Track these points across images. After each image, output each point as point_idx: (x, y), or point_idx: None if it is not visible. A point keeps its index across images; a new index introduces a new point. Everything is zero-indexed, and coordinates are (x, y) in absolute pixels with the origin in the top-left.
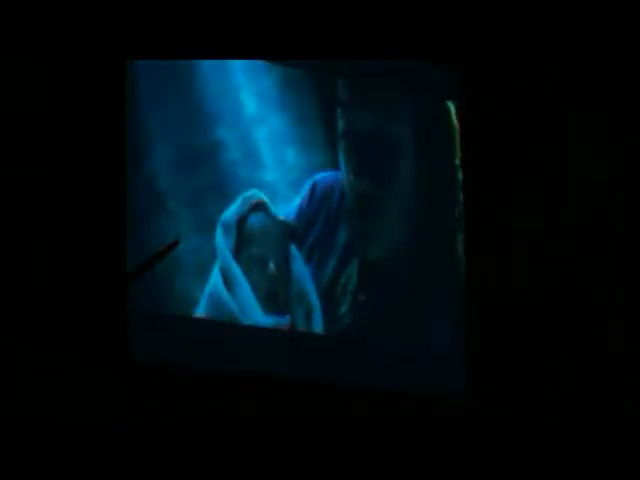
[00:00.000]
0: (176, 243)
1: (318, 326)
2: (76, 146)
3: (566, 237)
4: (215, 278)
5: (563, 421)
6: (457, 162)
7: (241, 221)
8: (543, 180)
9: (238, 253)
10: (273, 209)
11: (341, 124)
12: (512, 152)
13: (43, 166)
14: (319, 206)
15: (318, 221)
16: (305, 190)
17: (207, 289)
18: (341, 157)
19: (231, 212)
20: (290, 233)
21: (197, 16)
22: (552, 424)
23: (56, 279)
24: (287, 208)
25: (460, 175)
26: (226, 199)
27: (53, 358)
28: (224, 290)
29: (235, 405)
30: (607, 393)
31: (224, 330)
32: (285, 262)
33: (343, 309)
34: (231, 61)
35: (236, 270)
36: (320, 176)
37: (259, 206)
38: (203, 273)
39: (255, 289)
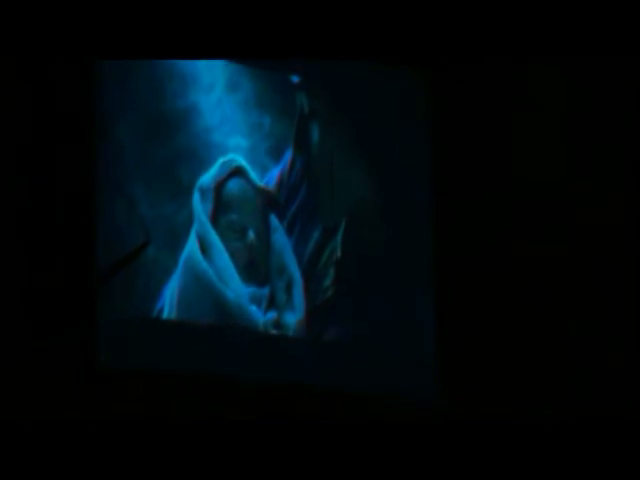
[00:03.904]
0: (146, 244)
1: (299, 299)
2: (43, 131)
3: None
4: (191, 244)
5: (535, 420)
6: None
7: (219, 186)
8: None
9: (216, 219)
10: (253, 176)
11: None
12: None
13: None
14: (301, 178)
15: (300, 193)
16: (286, 160)
17: (183, 256)
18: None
19: (209, 177)
20: (270, 202)
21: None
22: (524, 423)
23: (23, 283)
24: (266, 177)
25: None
26: (200, 165)
27: (21, 364)
28: (200, 256)
29: (206, 406)
30: (583, 388)
31: (196, 331)
32: (265, 232)
33: (327, 282)
34: None
35: (213, 236)
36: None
37: (238, 172)
38: (177, 241)
39: (234, 257)
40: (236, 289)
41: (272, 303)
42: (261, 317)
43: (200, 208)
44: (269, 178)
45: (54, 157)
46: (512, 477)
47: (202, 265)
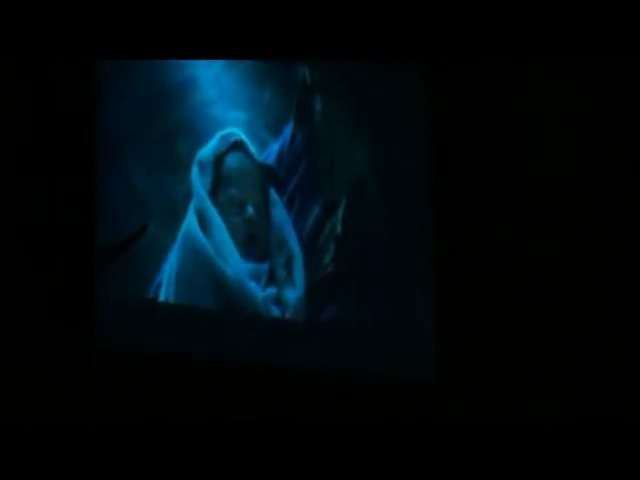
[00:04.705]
0: (145, 228)
1: (299, 275)
2: (43, 131)
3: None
4: (190, 219)
5: (533, 409)
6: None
7: (218, 160)
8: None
9: (215, 193)
10: (252, 150)
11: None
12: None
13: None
14: (301, 152)
15: (300, 168)
16: (285, 135)
17: (181, 231)
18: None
19: (208, 150)
20: (270, 176)
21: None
22: (522, 412)
23: (24, 271)
24: (265, 151)
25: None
26: (199, 139)
27: (21, 348)
28: (199, 231)
29: (204, 390)
30: (583, 388)
31: (192, 314)
32: (264, 206)
33: (327, 258)
34: None
35: (212, 211)
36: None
37: (237, 145)
38: (175, 216)
39: (232, 232)
40: (235, 265)
41: (271, 279)
42: (260, 293)
43: (199, 182)
44: (268, 153)
45: (54, 157)
46: (512, 477)
47: (201, 240)
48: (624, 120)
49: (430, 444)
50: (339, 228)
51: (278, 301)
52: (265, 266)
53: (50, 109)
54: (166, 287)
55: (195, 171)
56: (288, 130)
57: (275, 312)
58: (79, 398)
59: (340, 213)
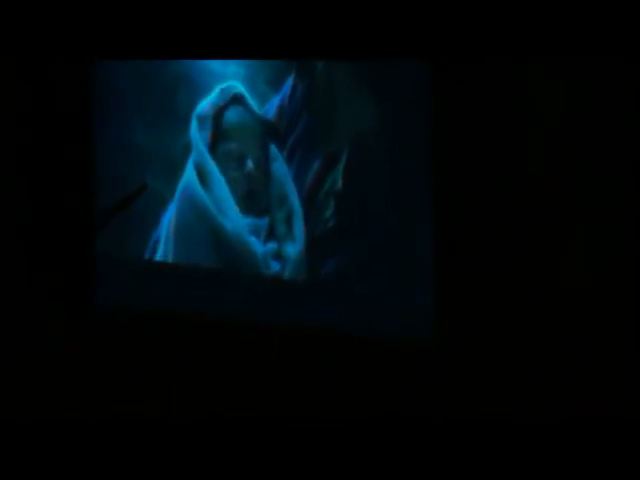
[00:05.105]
0: (144, 186)
1: (299, 230)
2: (43, 131)
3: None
4: (189, 173)
5: (535, 420)
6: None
7: (218, 114)
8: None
9: (214, 148)
10: (252, 103)
11: None
12: None
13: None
14: (301, 106)
15: (300, 122)
16: (286, 88)
17: (180, 185)
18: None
19: (207, 104)
20: (270, 130)
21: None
22: (524, 423)
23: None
24: (266, 105)
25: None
26: (198, 92)
27: (20, 304)
28: (199, 186)
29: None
30: (583, 388)
31: (191, 272)
32: (265, 161)
33: (327, 213)
34: None
35: (212, 165)
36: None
37: (237, 99)
38: (174, 171)
39: (232, 187)
40: (234, 220)
41: (271, 234)
42: (260, 248)
43: (198, 136)
44: (269, 106)
45: (54, 157)
46: (512, 477)
47: (200, 194)
48: (624, 120)
49: (425, 403)
50: (340, 183)
51: (278, 256)
52: (265, 221)
53: (50, 109)
54: (164, 242)
55: (194, 125)
56: (289, 84)
57: (275, 267)
58: (76, 362)
59: (341, 168)
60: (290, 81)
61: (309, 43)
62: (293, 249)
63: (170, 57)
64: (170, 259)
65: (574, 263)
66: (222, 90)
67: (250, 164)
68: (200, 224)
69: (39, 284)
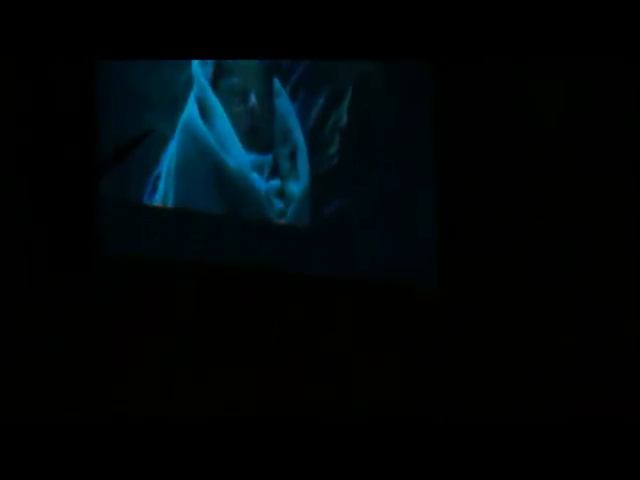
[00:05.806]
0: (149, 132)
1: (303, 167)
2: (43, 131)
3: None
4: (190, 108)
5: (535, 420)
6: None
7: None
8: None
9: (216, 82)
10: None
11: None
12: None
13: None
14: None
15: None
16: None
17: (181, 120)
18: None
19: None
20: (273, 65)
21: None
22: (524, 423)
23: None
24: None
25: None
26: None
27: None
28: (200, 121)
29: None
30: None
31: (194, 219)
32: (268, 96)
33: (331, 150)
34: None
35: (214, 100)
36: None
37: None
38: (176, 107)
39: (235, 123)
40: (237, 156)
41: (275, 171)
42: (263, 185)
43: (200, 71)
44: None
45: (54, 157)
46: (512, 477)
47: (202, 130)
48: (624, 120)
49: (425, 351)
50: (345, 119)
51: (282, 194)
52: (268, 157)
53: (50, 109)
54: (165, 180)
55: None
56: None
57: (278, 205)
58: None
59: (346, 105)
60: None
61: (309, 43)
62: (297, 187)
63: (170, 57)
64: (171, 197)
65: (575, 263)
66: None
67: (253, 99)
68: (202, 160)
69: (39, 284)
